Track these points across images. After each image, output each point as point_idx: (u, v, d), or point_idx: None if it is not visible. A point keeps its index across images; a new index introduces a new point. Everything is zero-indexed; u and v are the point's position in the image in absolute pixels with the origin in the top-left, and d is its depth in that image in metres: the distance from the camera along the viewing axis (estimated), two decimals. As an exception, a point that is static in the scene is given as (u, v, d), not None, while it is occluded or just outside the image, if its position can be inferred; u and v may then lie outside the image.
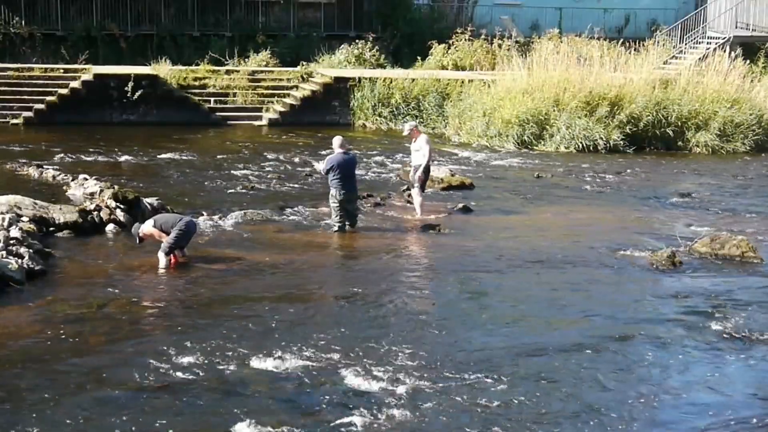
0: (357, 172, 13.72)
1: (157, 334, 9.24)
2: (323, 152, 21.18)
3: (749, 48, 29.06)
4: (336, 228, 13.46)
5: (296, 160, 20.22)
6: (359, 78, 26.04)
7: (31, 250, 11.18)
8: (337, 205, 13.37)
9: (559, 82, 23.20)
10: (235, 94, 26.72)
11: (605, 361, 8.70)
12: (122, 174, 17.67)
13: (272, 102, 26.70)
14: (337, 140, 13.74)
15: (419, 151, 14.55)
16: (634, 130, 23.01)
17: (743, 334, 9.48)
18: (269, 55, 28.72)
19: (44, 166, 17.70)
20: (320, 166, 13.80)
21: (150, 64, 26.89)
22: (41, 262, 11.08)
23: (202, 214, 14.14)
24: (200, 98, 26.17)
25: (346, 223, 13.50)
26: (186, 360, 8.34)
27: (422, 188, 14.64)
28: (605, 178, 18.99)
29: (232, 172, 18.48)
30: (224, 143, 22.52)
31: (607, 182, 18.62)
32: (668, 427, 7.38)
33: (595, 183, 18.45)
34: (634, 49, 26.86)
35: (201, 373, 8.10)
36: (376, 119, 25.50)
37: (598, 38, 27.65)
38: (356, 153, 15.49)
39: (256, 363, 8.32)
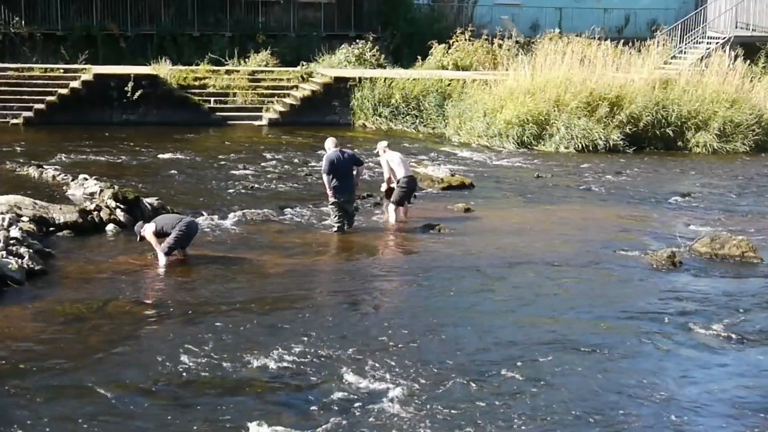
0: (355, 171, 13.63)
1: (156, 334, 9.25)
2: (323, 152, 21.20)
3: (749, 48, 29.06)
4: (335, 228, 13.46)
5: (296, 160, 20.22)
6: (359, 78, 26.02)
7: (31, 250, 11.18)
8: (336, 205, 13.36)
9: (561, 83, 23.21)
10: (235, 94, 26.70)
11: (604, 361, 8.70)
12: (122, 174, 17.67)
13: (272, 102, 26.68)
14: (330, 141, 13.75)
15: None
16: (634, 130, 23.02)
17: (743, 334, 9.48)
18: (269, 55, 28.73)
19: (44, 166, 17.69)
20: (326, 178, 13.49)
21: (150, 64, 26.87)
22: (41, 262, 11.08)
23: (202, 214, 14.14)
24: (200, 98, 26.15)
25: (345, 222, 13.49)
26: (186, 360, 8.34)
27: (398, 203, 14.30)
28: (605, 178, 18.99)
29: (232, 172, 18.48)
30: (224, 143, 22.52)
31: (607, 182, 18.62)
32: (667, 427, 7.38)
33: (595, 183, 18.44)
34: (637, 50, 26.89)
35: (201, 373, 8.11)
36: (376, 119, 25.48)
37: (599, 38, 27.68)
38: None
39: (256, 363, 8.33)
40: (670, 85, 24.40)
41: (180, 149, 21.02)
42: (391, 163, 14.33)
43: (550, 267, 11.95)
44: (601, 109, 22.82)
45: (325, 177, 13.45)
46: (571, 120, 22.56)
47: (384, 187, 14.61)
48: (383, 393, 7.76)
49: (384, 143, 14.89)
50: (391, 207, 14.32)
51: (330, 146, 13.63)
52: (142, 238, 11.77)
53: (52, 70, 26.44)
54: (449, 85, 25.61)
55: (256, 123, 25.96)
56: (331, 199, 13.39)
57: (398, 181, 14.24)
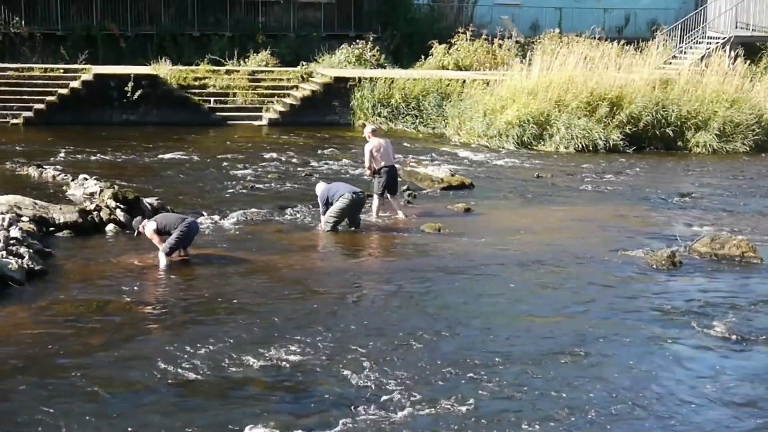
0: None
1: (157, 334, 9.25)
2: (323, 152, 21.22)
3: (750, 48, 29.06)
4: (329, 228, 13.41)
5: (296, 160, 20.22)
6: (359, 78, 26.02)
7: (31, 250, 11.18)
8: (342, 208, 13.32)
9: (563, 83, 23.20)
10: (235, 94, 26.71)
11: (604, 361, 8.70)
12: (122, 174, 17.66)
13: (272, 102, 26.69)
14: (321, 184, 13.92)
15: None
16: (634, 130, 23.03)
17: (743, 334, 9.48)
18: (269, 55, 28.74)
19: (44, 166, 17.70)
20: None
21: (150, 64, 26.88)
22: (41, 262, 11.07)
23: (202, 214, 14.13)
24: (200, 98, 26.16)
25: (340, 223, 13.45)
26: (186, 360, 8.34)
27: (380, 194, 14.47)
28: (605, 178, 18.99)
29: (232, 172, 18.48)
30: (224, 143, 22.52)
31: (607, 182, 18.62)
32: (666, 427, 7.38)
33: (595, 183, 18.45)
34: (639, 50, 26.91)
35: (201, 373, 8.10)
36: (376, 119, 25.47)
37: (599, 38, 27.69)
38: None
39: (256, 363, 8.32)
40: (670, 85, 24.41)
41: (180, 149, 21.01)
42: (374, 151, 14.46)
43: (550, 267, 11.95)
44: (601, 109, 22.83)
45: (321, 206, 13.61)
46: (571, 120, 22.57)
47: (368, 173, 14.79)
48: (384, 393, 7.75)
49: (369, 128, 15.10)
50: (375, 199, 14.42)
51: (321, 186, 13.82)
52: (140, 234, 11.75)
53: (52, 70, 26.45)
54: (449, 85, 25.62)
55: (256, 123, 25.96)
56: (342, 200, 13.35)
57: (379, 171, 14.38)
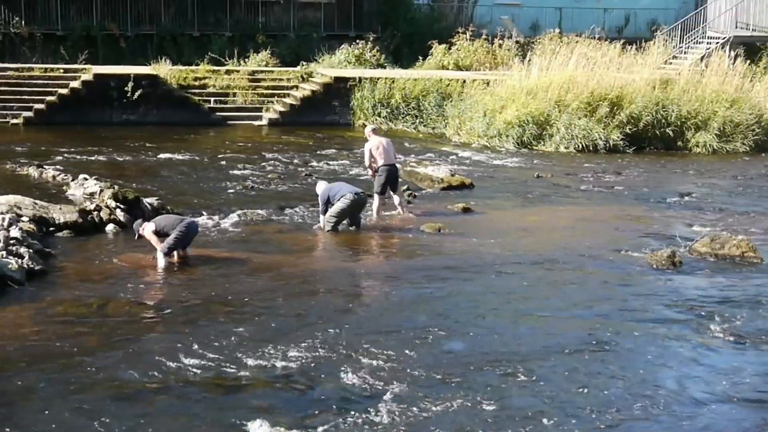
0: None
1: (157, 334, 9.24)
2: (323, 152, 21.23)
3: (750, 48, 29.07)
4: (329, 228, 13.41)
5: (296, 160, 20.22)
6: (359, 78, 26.02)
7: (31, 250, 11.18)
8: (343, 209, 13.32)
9: (563, 84, 23.21)
10: (235, 94, 26.71)
11: (604, 361, 8.69)
12: (122, 174, 17.66)
13: (272, 102, 26.70)
14: (321, 185, 13.85)
15: None
16: (634, 130, 23.03)
17: (743, 334, 9.48)
18: (269, 55, 28.75)
19: (44, 166, 17.69)
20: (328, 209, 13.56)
21: (150, 64, 26.89)
22: (41, 262, 11.08)
23: (202, 214, 14.14)
24: (200, 98, 26.16)
25: (341, 223, 13.46)
26: (186, 360, 8.34)
27: (380, 192, 14.53)
28: (605, 178, 18.99)
29: (232, 172, 18.48)
30: (224, 143, 22.52)
31: (607, 182, 18.62)
32: (666, 427, 7.38)
33: (595, 183, 18.45)
34: (642, 51, 26.92)
35: (201, 373, 8.10)
36: (376, 119, 25.48)
37: (599, 38, 27.69)
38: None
39: (255, 363, 8.32)
40: (670, 85, 24.41)
41: (180, 149, 21.02)
42: (373, 150, 14.48)
43: (550, 266, 11.94)
44: (601, 109, 22.83)
45: (321, 204, 13.59)
46: (571, 120, 22.57)
47: (369, 172, 14.83)
48: (384, 393, 7.75)
49: (369, 128, 15.16)
50: (376, 198, 14.45)
51: (322, 185, 13.78)
52: (140, 237, 11.77)
53: (52, 70, 26.46)
54: (449, 85, 25.62)
55: (256, 123, 25.96)
56: (343, 200, 13.31)
57: (378, 170, 14.41)
